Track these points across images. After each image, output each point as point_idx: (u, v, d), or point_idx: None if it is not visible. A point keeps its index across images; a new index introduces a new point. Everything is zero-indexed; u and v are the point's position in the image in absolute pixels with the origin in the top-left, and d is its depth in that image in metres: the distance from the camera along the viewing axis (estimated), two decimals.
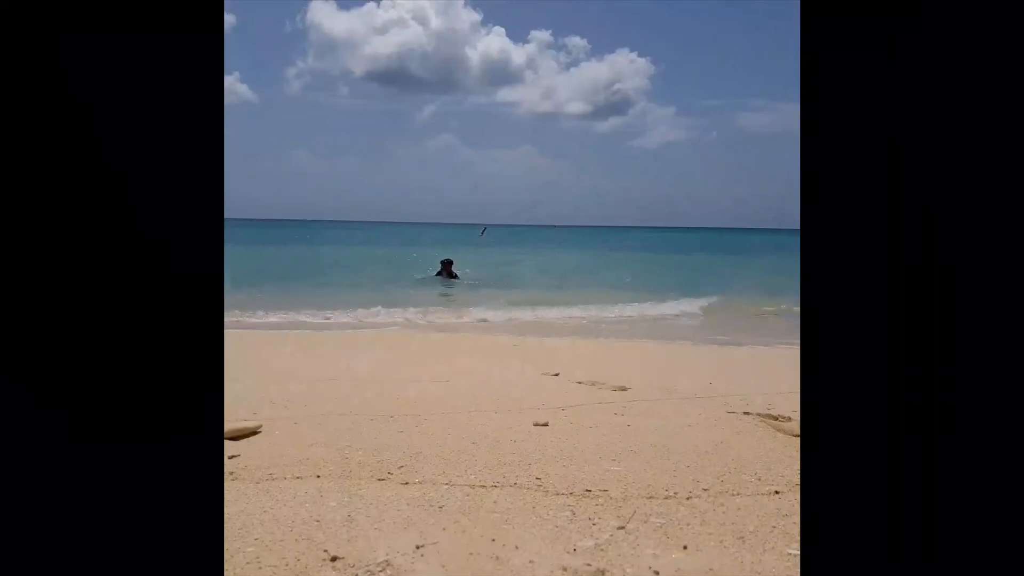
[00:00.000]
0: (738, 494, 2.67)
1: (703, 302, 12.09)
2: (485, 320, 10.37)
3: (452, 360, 6.57)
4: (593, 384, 5.01)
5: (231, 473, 2.84)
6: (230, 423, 3.44)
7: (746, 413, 4.05)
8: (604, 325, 10.11)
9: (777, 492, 2.70)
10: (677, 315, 10.95)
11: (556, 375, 5.51)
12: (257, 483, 2.73)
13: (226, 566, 1.97)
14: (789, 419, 3.87)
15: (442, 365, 6.17)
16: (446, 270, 14.78)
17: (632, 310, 11.23)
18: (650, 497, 2.62)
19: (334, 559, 2.06)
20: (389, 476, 2.83)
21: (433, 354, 7.03)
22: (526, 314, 10.86)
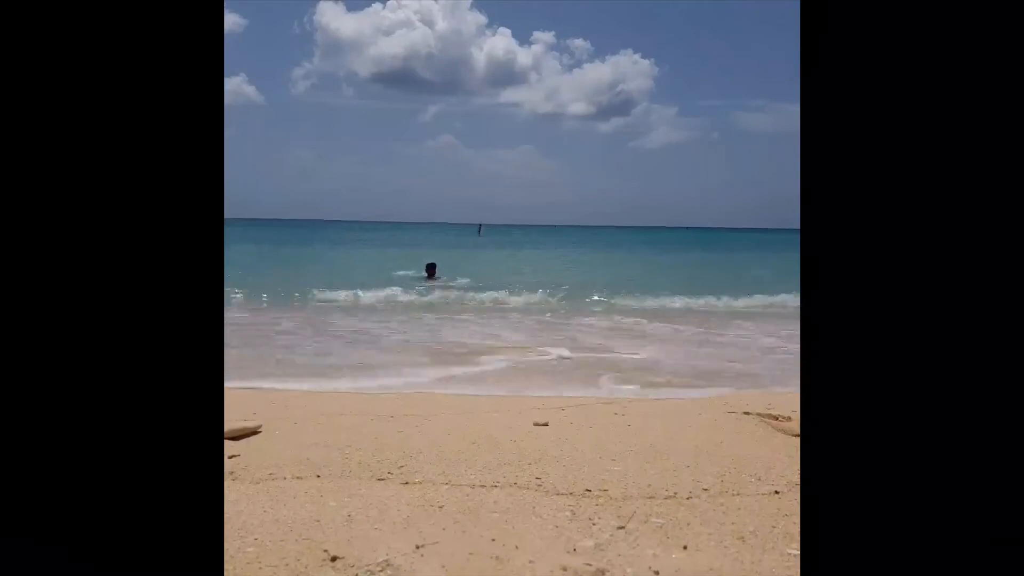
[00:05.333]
0: (738, 494, 2.67)
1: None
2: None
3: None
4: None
5: (231, 473, 2.84)
6: (230, 423, 3.44)
7: (746, 413, 4.05)
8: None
9: (777, 492, 2.69)
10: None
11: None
12: (257, 483, 2.73)
13: (226, 566, 1.97)
14: (789, 419, 3.87)
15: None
16: (429, 273, 16.08)
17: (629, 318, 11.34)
18: (650, 497, 2.62)
19: (334, 559, 2.06)
20: (389, 476, 2.83)
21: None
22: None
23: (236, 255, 18.81)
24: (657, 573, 2.01)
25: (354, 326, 9.00)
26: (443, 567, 2.03)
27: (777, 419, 3.89)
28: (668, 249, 38.71)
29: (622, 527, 2.32)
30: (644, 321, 9.85)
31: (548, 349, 7.30)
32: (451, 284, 14.64)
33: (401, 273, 16.68)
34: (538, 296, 12.51)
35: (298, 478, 2.80)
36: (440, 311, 10.86)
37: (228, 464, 2.95)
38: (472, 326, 9.25)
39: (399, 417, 3.86)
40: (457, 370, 6.12)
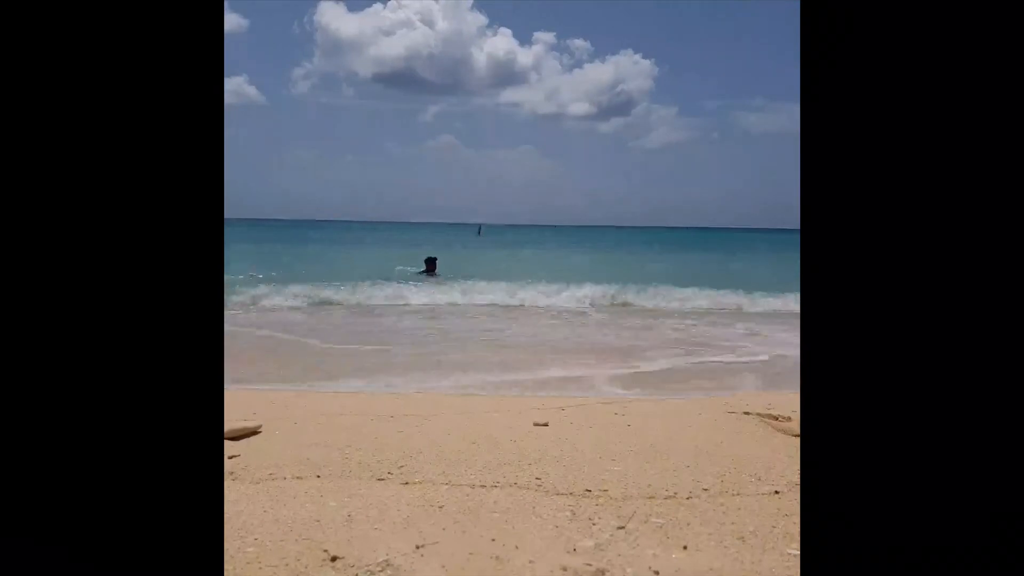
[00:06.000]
0: (738, 494, 2.67)
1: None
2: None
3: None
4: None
5: (231, 473, 2.84)
6: (230, 423, 3.44)
7: (746, 413, 4.05)
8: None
9: (777, 492, 2.69)
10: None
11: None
12: (257, 483, 2.73)
13: (226, 566, 1.97)
14: (789, 419, 3.87)
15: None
16: (429, 268, 16.45)
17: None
18: (650, 497, 2.62)
19: (334, 559, 2.06)
20: (389, 476, 2.83)
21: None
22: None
23: (250, 256, 19.06)
24: (657, 573, 2.01)
25: (438, 326, 9.10)
26: (443, 567, 2.03)
27: (777, 419, 3.89)
28: (680, 248, 38.97)
29: (622, 527, 2.32)
30: (709, 319, 9.92)
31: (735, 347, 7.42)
32: (474, 285, 14.45)
33: (400, 268, 16.92)
34: (564, 295, 12.33)
35: (298, 478, 2.80)
36: (489, 313, 10.69)
37: (228, 464, 2.95)
38: (565, 325, 9.33)
39: (399, 417, 3.86)
40: (647, 366, 6.28)
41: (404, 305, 11.33)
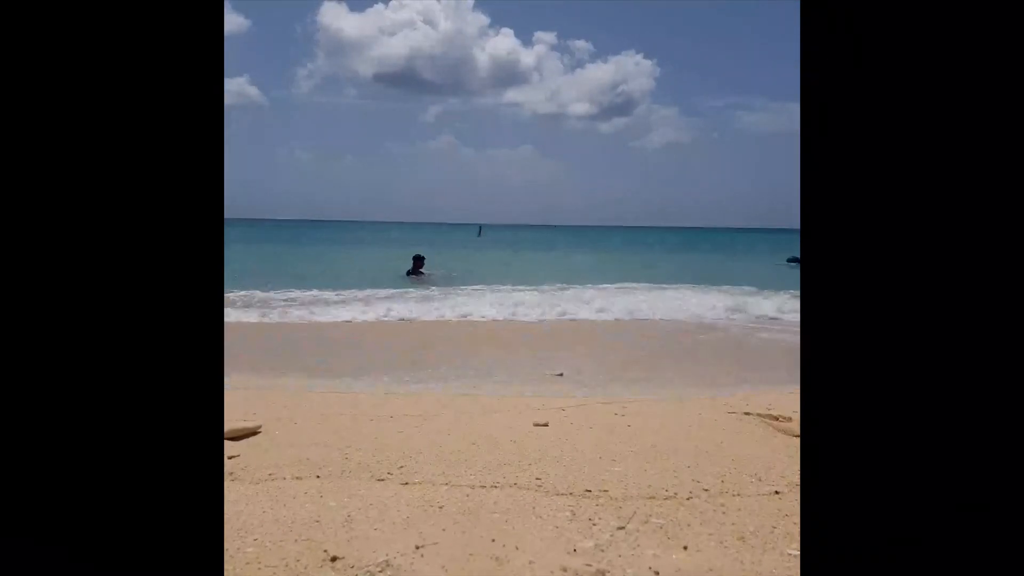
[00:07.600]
0: (738, 494, 2.67)
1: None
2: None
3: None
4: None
5: (231, 473, 2.84)
6: (230, 423, 3.44)
7: (746, 413, 4.05)
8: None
9: (777, 492, 2.69)
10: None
11: (560, 375, 5.51)
12: (257, 483, 2.73)
13: (226, 566, 1.97)
14: (789, 419, 3.87)
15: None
16: (416, 265, 16.03)
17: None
18: (650, 497, 2.62)
19: (334, 559, 2.06)
20: (389, 476, 2.83)
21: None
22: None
23: (250, 257, 18.87)
24: (657, 574, 2.01)
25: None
26: (443, 568, 2.03)
27: (777, 419, 3.89)
28: (692, 248, 39.19)
29: (622, 527, 2.32)
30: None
31: None
32: (499, 288, 13.32)
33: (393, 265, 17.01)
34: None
35: (298, 478, 2.80)
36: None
37: (228, 464, 2.95)
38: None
39: (399, 417, 3.86)
40: None
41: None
